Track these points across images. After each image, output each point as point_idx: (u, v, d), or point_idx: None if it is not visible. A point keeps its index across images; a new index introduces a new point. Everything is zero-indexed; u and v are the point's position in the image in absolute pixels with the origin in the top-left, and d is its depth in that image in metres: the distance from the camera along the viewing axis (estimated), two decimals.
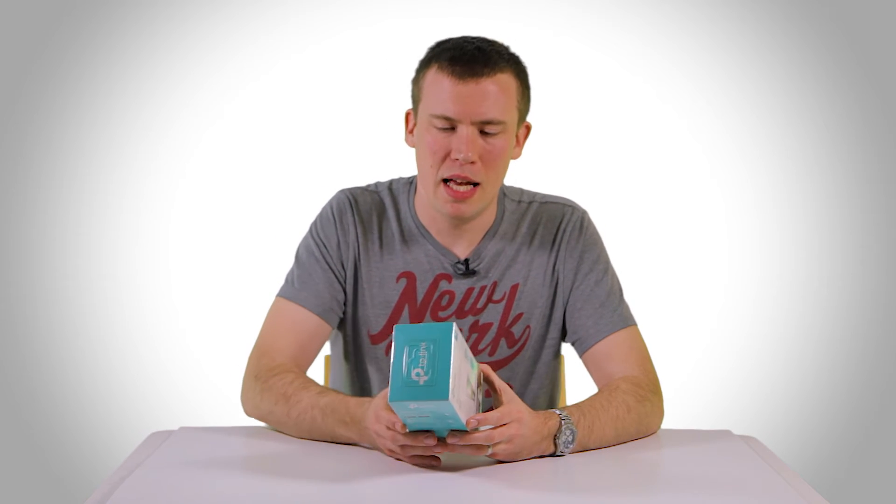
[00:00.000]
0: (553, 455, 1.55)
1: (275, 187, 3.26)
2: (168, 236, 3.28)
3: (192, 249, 3.28)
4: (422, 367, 1.39)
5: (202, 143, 3.28)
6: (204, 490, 1.40)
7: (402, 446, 1.46)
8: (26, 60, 3.18)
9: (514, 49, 1.73)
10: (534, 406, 1.82)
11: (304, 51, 3.27)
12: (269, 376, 1.69)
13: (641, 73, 3.29)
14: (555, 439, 1.54)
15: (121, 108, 3.24)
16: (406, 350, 1.40)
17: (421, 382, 1.38)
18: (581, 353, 1.81)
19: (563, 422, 1.55)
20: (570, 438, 1.55)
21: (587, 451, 1.59)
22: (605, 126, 3.32)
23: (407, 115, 1.77)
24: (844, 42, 3.23)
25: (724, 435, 1.72)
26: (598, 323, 1.78)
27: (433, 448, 1.45)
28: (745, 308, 3.30)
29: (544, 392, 1.87)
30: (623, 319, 1.79)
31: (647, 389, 1.70)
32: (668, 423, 1.76)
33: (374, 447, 1.56)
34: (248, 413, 1.74)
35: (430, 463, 1.48)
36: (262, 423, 1.74)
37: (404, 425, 1.43)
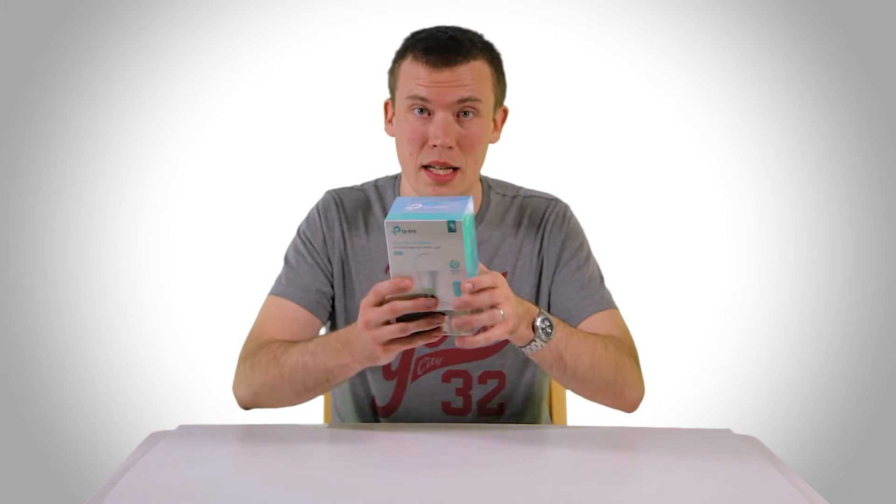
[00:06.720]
0: (530, 345, 1.55)
1: (274, 188, 3.27)
2: (168, 236, 3.28)
3: (192, 250, 3.29)
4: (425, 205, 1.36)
5: (202, 144, 3.29)
6: (203, 489, 1.40)
7: (399, 323, 1.41)
8: (26, 60, 3.18)
9: (488, 38, 1.75)
10: (530, 395, 1.87)
11: (303, 52, 3.27)
12: (257, 351, 1.71)
13: (641, 73, 3.29)
14: (533, 324, 1.54)
15: (120, 108, 3.24)
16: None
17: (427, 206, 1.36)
18: None
19: (540, 312, 1.56)
20: (547, 326, 1.55)
21: (563, 365, 1.60)
22: (604, 126, 3.32)
23: (385, 105, 1.81)
24: (845, 43, 3.23)
25: (724, 434, 1.72)
26: (580, 304, 1.80)
27: (432, 310, 1.39)
28: (745, 308, 3.30)
29: (538, 381, 1.89)
30: (605, 302, 1.81)
31: (626, 352, 1.72)
32: (667, 423, 1.76)
33: (368, 360, 1.52)
34: (243, 399, 1.72)
35: (432, 336, 1.43)
36: (259, 422, 1.74)
37: (401, 280, 1.36)
